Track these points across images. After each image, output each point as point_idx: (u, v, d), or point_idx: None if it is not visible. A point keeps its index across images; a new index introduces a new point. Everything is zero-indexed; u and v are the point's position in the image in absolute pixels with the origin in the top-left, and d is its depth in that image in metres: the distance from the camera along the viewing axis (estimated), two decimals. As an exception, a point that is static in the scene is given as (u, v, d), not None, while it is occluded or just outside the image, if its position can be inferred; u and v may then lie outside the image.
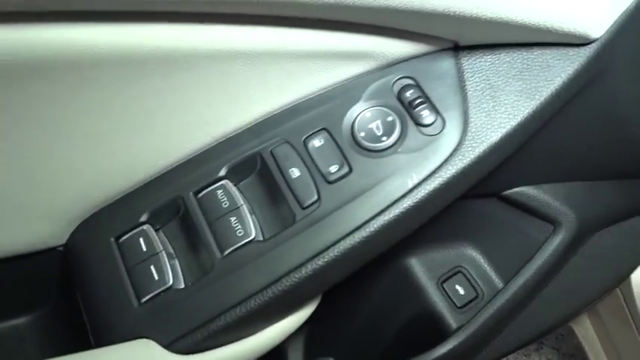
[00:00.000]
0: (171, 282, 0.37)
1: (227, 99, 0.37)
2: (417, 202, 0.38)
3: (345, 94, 0.40)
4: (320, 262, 0.37)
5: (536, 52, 0.39)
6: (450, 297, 0.49)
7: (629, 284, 0.63)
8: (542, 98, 0.38)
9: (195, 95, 0.36)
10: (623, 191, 0.51)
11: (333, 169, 0.38)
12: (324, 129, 0.40)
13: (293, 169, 0.39)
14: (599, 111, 0.43)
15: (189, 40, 0.33)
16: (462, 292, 0.49)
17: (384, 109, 0.40)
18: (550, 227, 0.49)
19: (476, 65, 0.40)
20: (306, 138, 0.39)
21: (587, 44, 0.38)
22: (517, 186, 0.48)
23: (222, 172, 0.39)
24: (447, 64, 0.40)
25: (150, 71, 0.33)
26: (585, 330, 0.70)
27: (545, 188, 0.49)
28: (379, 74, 0.41)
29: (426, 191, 0.38)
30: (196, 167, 0.40)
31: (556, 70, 0.38)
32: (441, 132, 0.39)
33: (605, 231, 0.53)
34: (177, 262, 0.38)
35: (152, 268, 0.37)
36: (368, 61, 0.40)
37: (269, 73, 0.37)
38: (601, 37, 0.38)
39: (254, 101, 0.38)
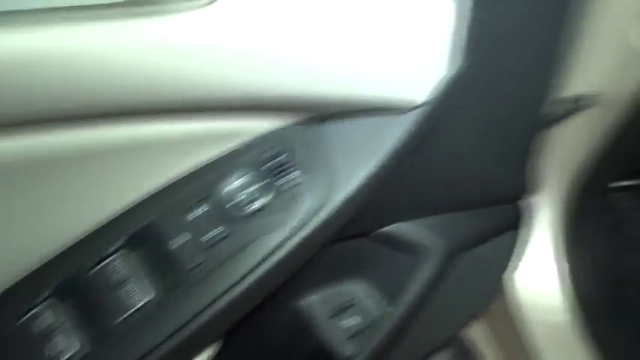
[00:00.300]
0: (73, 352, 0.42)
1: (113, 185, 0.43)
2: (288, 253, 0.45)
3: (219, 166, 0.46)
4: (206, 315, 0.43)
5: (374, 119, 0.46)
6: (341, 329, 0.56)
7: (515, 291, 0.72)
8: (383, 158, 0.45)
9: (85, 187, 0.42)
10: (483, 217, 0.60)
11: (213, 234, 0.45)
12: (203, 199, 0.46)
13: (179, 236, 0.44)
14: (442, 159, 0.51)
15: (64, 145, 0.39)
16: (351, 323, 0.56)
17: (255, 175, 0.46)
18: (423, 255, 0.57)
19: (335, 131, 0.47)
20: (188, 208, 0.45)
21: (415, 108, 0.46)
22: (389, 224, 0.56)
23: (117, 245, 0.45)
24: (311, 131, 0.47)
25: (38, 175, 0.39)
26: (480, 339, 0.78)
27: (414, 222, 0.56)
28: (249, 145, 0.47)
29: (295, 243, 0.45)
30: (92, 242, 0.45)
31: (390, 134, 0.45)
32: (306, 192, 0.46)
33: (477, 249, 0.61)
34: (79, 333, 0.43)
35: (54, 341, 0.42)
36: (237, 139, 0.46)
37: (148, 161, 0.43)
38: (425, 102, 0.45)
39: (138, 183, 0.44)
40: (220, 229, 0.45)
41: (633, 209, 0.78)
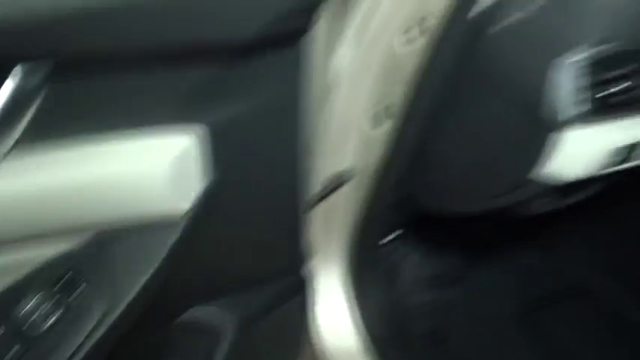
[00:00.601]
0: None
1: None
2: (84, 357, 0.52)
3: (13, 292, 0.52)
4: None
5: (147, 232, 0.55)
6: None
7: (320, 339, 0.84)
8: (157, 264, 0.55)
9: None
10: (269, 290, 0.71)
11: (11, 353, 0.50)
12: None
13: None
14: (217, 252, 0.62)
15: None
16: None
17: (47, 295, 0.53)
18: (219, 333, 0.66)
19: (115, 246, 0.55)
20: None
21: (180, 219, 0.56)
22: (184, 311, 0.65)
23: None
24: (95, 249, 0.55)
25: None
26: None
27: (208, 306, 0.66)
28: (41, 268, 0.54)
29: (88, 348, 0.52)
30: None
31: (161, 242, 0.55)
32: (93, 303, 0.53)
33: (269, 317, 0.72)
34: None
35: None
36: (30, 265, 0.53)
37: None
38: (186, 212, 0.56)
39: None
40: (17, 347, 0.51)
41: (401, 258, 0.95)
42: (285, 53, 0.56)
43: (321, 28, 0.64)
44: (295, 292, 0.74)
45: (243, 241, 0.65)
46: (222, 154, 0.57)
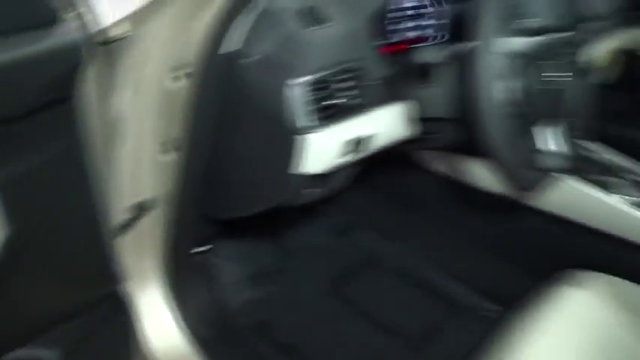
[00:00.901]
0: None
1: None
2: None
3: None
4: None
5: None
6: None
7: (151, 349, 0.92)
8: None
9: None
10: (86, 319, 0.78)
11: None
12: None
13: None
14: (23, 304, 0.69)
15: None
16: None
17: None
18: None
19: None
20: None
21: None
22: (5, 353, 0.70)
23: None
24: None
25: None
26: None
27: (32, 344, 0.72)
28: None
29: None
30: None
31: None
32: None
33: (95, 341, 0.79)
34: None
35: None
36: None
37: None
38: None
39: None
40: None
41: (217, 264, 1.08)
42: (58, 112, 0.64)
43: (90, 80, 0.74)
44: (117, 312, 0.82)
45: (52, 281, 0.71)
46: (16, 207, 0.64)
